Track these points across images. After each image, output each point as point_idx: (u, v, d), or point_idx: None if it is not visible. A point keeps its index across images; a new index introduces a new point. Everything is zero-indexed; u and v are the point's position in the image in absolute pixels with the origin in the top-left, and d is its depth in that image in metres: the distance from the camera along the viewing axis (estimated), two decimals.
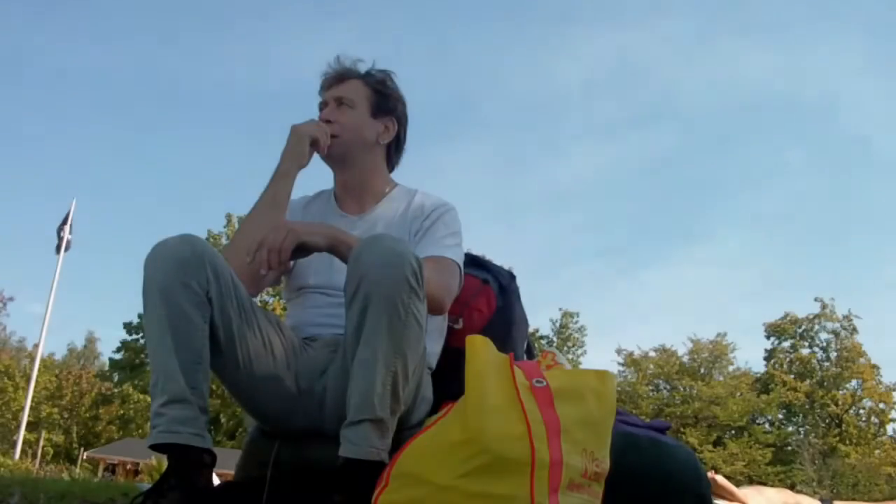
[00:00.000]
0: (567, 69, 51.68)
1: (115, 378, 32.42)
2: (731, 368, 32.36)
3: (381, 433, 1.41)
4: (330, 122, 1.88)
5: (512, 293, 2.05)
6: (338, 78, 1.94)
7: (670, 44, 49.29)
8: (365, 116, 1.92)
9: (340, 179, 1.97)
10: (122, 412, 32.49)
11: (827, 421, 32.41)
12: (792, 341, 34.25)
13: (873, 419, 32.56)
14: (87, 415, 35.11)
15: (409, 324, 1.42)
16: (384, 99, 1.95)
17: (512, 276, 2.10)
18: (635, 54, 49.43)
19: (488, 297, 2.00)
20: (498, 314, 1.99)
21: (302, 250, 1.61)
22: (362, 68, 1.96)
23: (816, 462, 27.95)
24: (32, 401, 23.74)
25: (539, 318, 33.17)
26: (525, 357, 2.05)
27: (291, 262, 1.86)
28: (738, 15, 47.81)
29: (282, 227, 1.58)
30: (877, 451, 30.74)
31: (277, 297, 23.21)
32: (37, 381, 24.03)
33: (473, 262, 2.09)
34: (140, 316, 25.80)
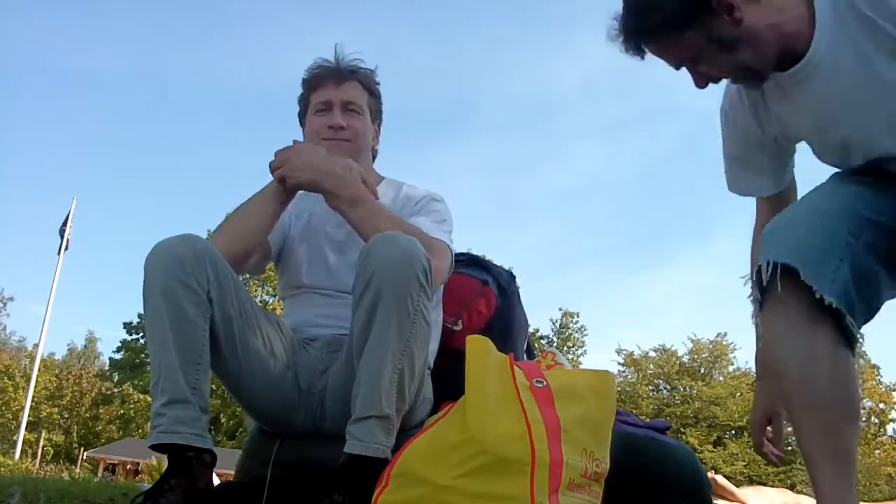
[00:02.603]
0: (567, 69, 51.74)
1: (115, 378, 32.40)
2: (731, 368, 32.35)
3: (387, 430, 1.41)
4: (343, 128, 1.86)
5: (512, 294, 2.05)
6: (342, 78, 1.90)
7: None
8: (368, 123, 1.93)
9: None
10: (122, 412, 32.48)
11: None
12: None
13: (873, 419, 32.54)
14: (87, 415, 35.09)
15: (417, 322, 1.42)
16: (378, 103, 1.98)
17: (512, 277, 2.10)
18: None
19: (488, 298, 1.99)
20: (498, 315, 1.98)
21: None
22: (359, 65, 1.94)
23: None
24: (32, 401, 23.71)
25: (539, 318, 33.19)
26: (525, 357, 2.05)
27: (281, 255, 1.88)
28: None
29: (295, 157, 1.69)
30: (877, 451, 30.72)
31: (277, 297, 23.20)
32: (37, 381, 24.00)
33: (473, 262, 2.09)
34: (140, 316, 25.82)
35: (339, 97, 1.89)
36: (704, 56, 1.35)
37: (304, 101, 1.96)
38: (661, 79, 49.80)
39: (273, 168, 1.71)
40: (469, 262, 2.07)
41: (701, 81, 1.40)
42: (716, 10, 1.29)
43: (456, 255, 1.81)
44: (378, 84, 1.97)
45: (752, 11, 1.31)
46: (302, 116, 1.97)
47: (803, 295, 1.24)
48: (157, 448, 1.43)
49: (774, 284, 1.26)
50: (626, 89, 51.55)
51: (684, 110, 50.05)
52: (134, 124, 52.99)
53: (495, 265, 2.12)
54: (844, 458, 1.26)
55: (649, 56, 1.40)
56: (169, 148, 54.11)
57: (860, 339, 1.29)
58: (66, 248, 21.42)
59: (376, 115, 1.98)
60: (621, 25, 1.38)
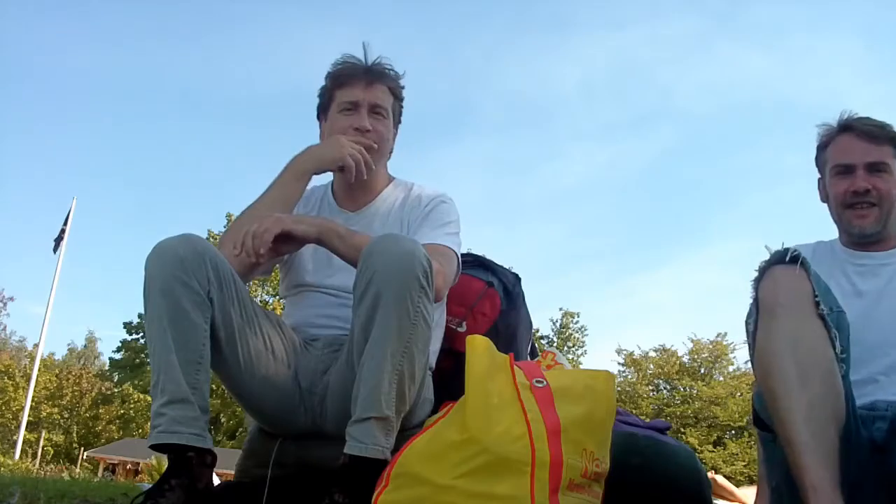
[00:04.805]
0: (567, 71, 51.77)
1: (115, 378, 32.38)
2: (731, 368, 32.28)
3: (386, 431, 1.41)
4: (368, 131, 1.84)
5: (517, 296, 2.04)
6: (372, 80, 1.87)
7: (669, 46, 49.39)
8: (391, 127, 1.91)
9: (347, 181, 1.88)
10: (122, 412, 32.46)
11: None
12: None
13: None
14: (87, 415, 35.08)
15: (417, 323, 1.42)
16: (400, 107, 1.96)
17: (517, 279, 2.09)
18: (633, 56, 49.53)
19: (492, 301, 1.99)
20: (502, 317, 1.97)
21: (292, 241, 1.62)
22: (390, 68, 1.91)
23: None
24: (32, 401, 23.69)
25: (539, 318, 33.20)
26: (529, 360, 2.05)
27: (286, 256, 1.86)
28: (737, 18, 47.91)
29: (267, 217, 1.60)
30: None
31: (277, 297, 23.20)
32: (37, 381, 24.00)
33: (478, 263, 2.08)
34: (140, 316, 25.80)
35: (368, 99, 1.86)
36: (887, 177, 1.79)
37: (327, 96, 1.91)
38: (660, 81, 49.83)
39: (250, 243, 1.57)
40: (474, 264, 2.06)
41: (864, 183, 1.79)
42: None
43: (461, 255, 1.80)
44: (401, 90, 1.94)
45: None
46: (323, 110, 1.93)
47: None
48: (157, 448, 1.43)
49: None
50: (625, 91, 51.65)
51: (682, 112, 50.16)
52: (134, 124, 53.04)
53: (501, 267, 2.11)
54: (834, 455, 1.28)
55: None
56: (169, 148, 54.16)
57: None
58: (65, 248, 21.44)
59: (397, 119, 1.96)
60: (859, 120, 1.84)
